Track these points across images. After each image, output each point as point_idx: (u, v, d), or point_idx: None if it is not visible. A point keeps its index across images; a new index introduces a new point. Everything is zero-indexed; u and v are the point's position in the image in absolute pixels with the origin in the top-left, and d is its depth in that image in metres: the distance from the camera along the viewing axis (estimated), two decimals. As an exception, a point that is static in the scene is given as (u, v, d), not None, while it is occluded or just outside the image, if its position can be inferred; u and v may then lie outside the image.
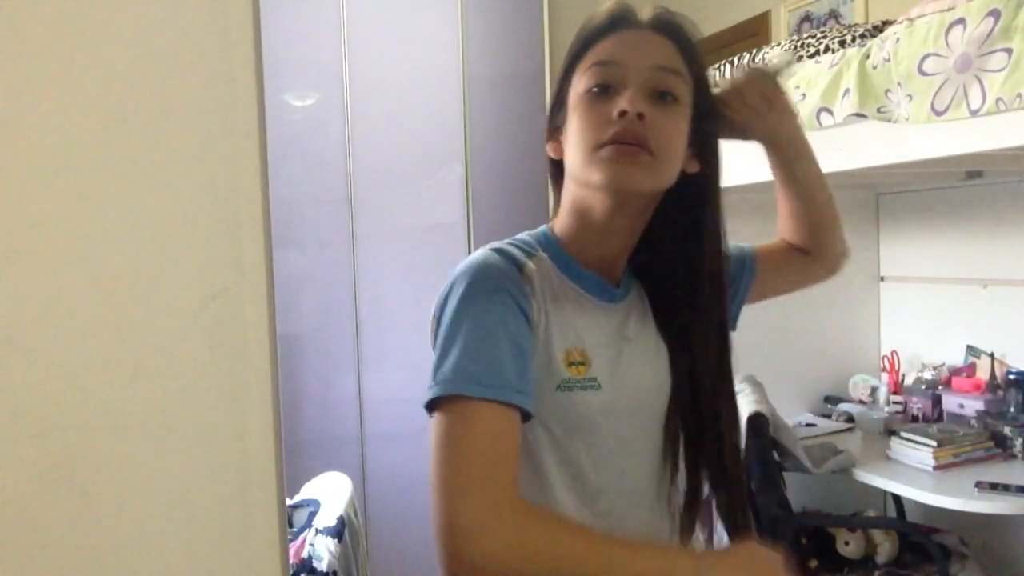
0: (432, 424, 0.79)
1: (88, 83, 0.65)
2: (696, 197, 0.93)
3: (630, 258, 0.96)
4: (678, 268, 0.95)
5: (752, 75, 0.95)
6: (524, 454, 0.84)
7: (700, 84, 0.91)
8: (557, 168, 0.95)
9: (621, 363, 0.90)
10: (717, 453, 0.95)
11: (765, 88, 0.95)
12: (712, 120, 0.93)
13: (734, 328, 1.05)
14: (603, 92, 0.86)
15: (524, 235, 0.95)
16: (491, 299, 0.82)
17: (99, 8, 0.64)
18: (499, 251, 0.87)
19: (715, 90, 0.95)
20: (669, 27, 0.89)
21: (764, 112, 0.96)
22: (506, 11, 3.06)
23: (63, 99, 0.64)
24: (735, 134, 0.98)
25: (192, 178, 0.68)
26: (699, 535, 0.98)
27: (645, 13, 0.90)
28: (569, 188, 0.92)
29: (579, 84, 0.88)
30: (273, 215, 0.73)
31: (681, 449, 0.96)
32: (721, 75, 2.18)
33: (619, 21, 0.89)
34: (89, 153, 0.65)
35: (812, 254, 1.11)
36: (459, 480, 0.75)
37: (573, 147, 0.87)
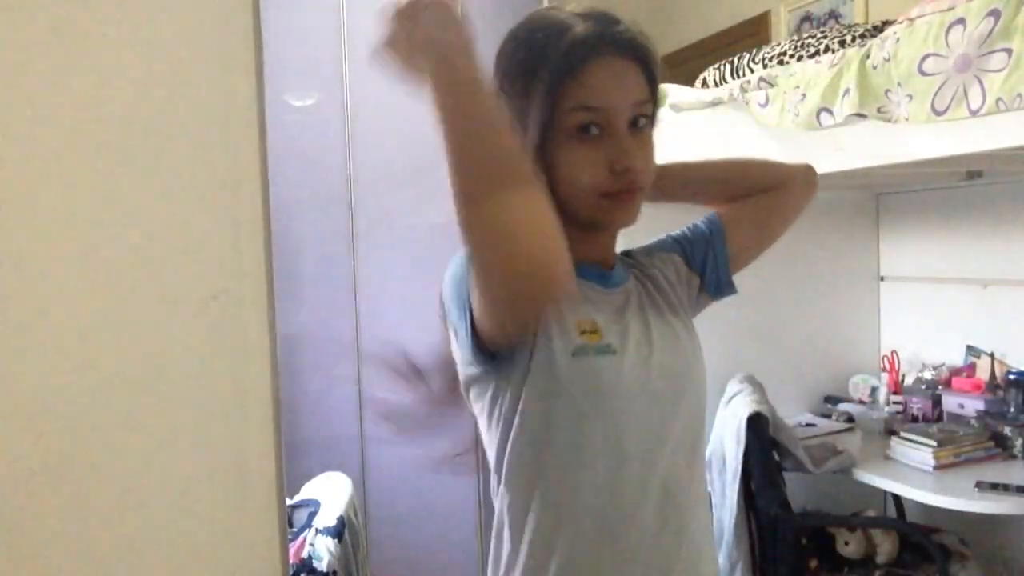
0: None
1: (89, 85, 0.65)
2: None
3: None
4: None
5: None
6: (560, 430, 0.89)
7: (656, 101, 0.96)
8: None
9: (630, 337, 0.94)
10: None
11: None
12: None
13: (734, 291, 1.09)
14: (589, 132, 0.90)
15: None
16: None
17: (100, 11, 0.65)
18: None
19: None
20: (641, 52, 0.92)
21: None
22: (506, 11, 3.05)
23: (63, 101, 0.64)
24: None
25: (193, 178, 0.68)
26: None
27: (620, 32, 0.91)
28: (556, 196, 0.92)
29: (564, 120, 0.89)
30: (273, 215, 0.73)
31: None
32: (720, 75, 2.17)
33: (599, 43, 0.89)
34: (90, 154, 0.65)
35: (773, 188, 1.11)
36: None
37: (568, 185, 0.91)
